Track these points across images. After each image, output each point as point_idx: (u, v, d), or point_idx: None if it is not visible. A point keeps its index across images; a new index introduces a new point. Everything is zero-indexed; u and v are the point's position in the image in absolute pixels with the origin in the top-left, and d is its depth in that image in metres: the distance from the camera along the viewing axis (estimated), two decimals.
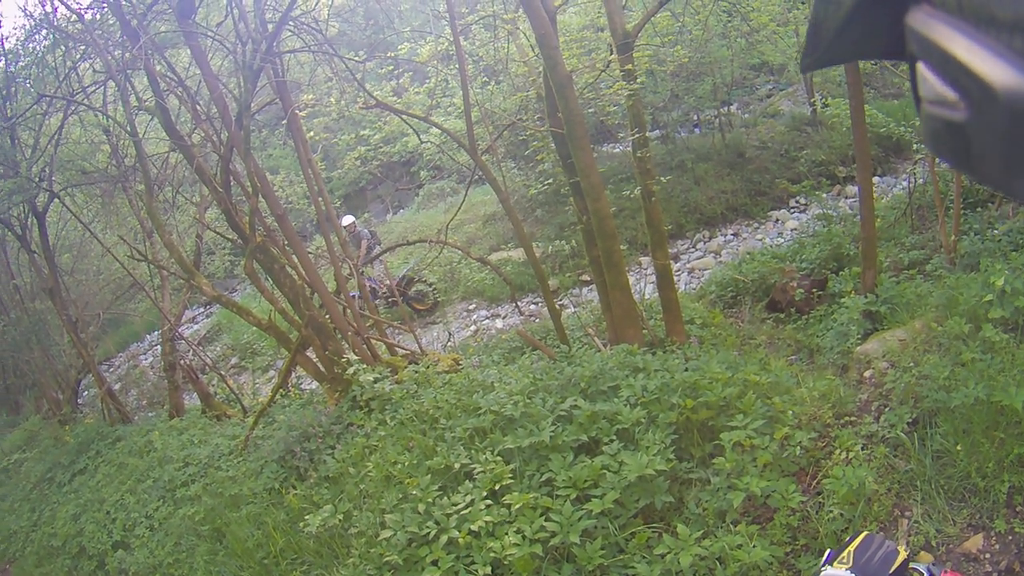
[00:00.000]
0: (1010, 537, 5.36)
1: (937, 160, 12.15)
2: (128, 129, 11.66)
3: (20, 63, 13.60)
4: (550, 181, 13.80)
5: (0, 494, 16.60)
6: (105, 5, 10.86)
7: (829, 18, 0.97)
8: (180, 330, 17.08)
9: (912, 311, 9.06)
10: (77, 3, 11.29)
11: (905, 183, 15.64)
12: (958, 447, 5.82)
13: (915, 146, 15.10)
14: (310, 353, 11.03)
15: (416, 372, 9.60)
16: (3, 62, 13.65)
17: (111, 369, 25.50)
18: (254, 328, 14.30)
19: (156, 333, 24.37)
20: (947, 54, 0.75)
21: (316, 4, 12.15)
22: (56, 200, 15.57)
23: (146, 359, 25.38)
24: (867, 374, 7.79)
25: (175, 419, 14.63)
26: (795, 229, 17.90)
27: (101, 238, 17.30)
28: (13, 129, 13.35)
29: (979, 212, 12.56)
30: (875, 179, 18.27)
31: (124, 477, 12.58)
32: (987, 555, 5.33)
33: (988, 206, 12.58)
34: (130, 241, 15.30)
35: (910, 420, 6.35)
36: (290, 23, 10.42)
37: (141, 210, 14.55)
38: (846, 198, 18.21)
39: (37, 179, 13.68)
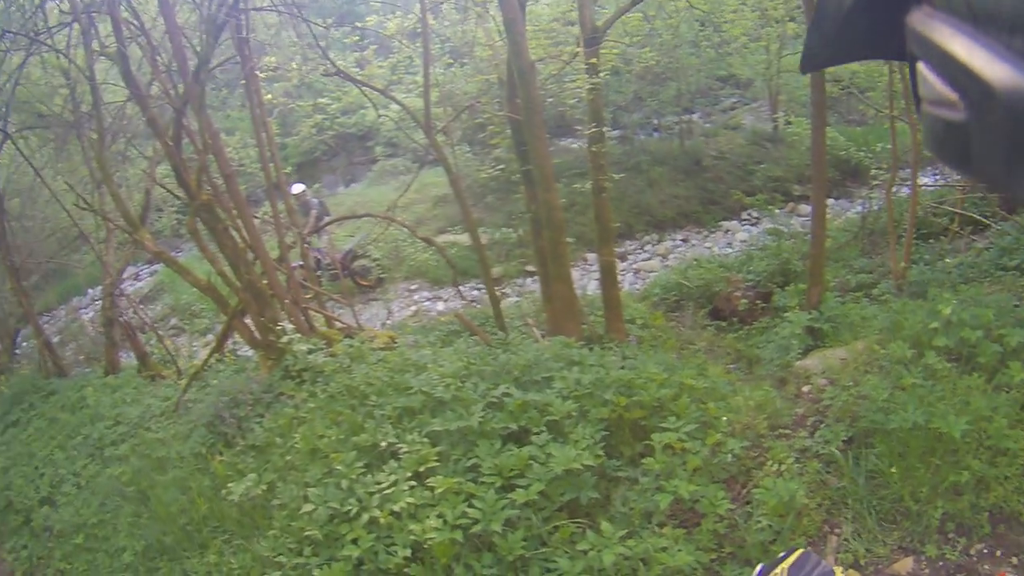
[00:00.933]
0: (940, 563, 5.37)
1: (893, 189, 12.29)
2: (87, 74, 11.45)
3: None
4: (503, 167, 13.77)
5: None
6: None
7: (829, 18, 0.98)
8: (122, 286, 16.88)
9: (855, 332, 9.16)
10: None
11: (860, 207, 15.83)
12: (893, 469, 5.83)
13: (873, 171, 15.28)
14: (248, 320, 10.93)
15: (351, 347, 9.55)
16: None
17: (51, 321, 25.11)
18: (195, 290, 14.18)
19: (98, 288, 24.03)
20: (947, 54, 0.75)
21: None
22: (9, 142, 15.35)
23: (86, 313, 25.03)
24: (805, 389, 7.81)
25: (110, 376, 14.48)
26: (745, 241, 18.10)
27: (51, 185, 17.06)
28: None
29: (931, 243, 12.73)
30: (829, 201, 18.43)
31: (55, 432, 12.46)
32: None
33: (941, 239, 12.74)
34: (80, 191, 15.10)
35: (845, 438, 6.36)
36: None
37: (92, 159, 14.38)
38: (798, 216, 18.42)
39: None
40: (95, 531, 9.42)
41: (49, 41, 12.47)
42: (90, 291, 26.67)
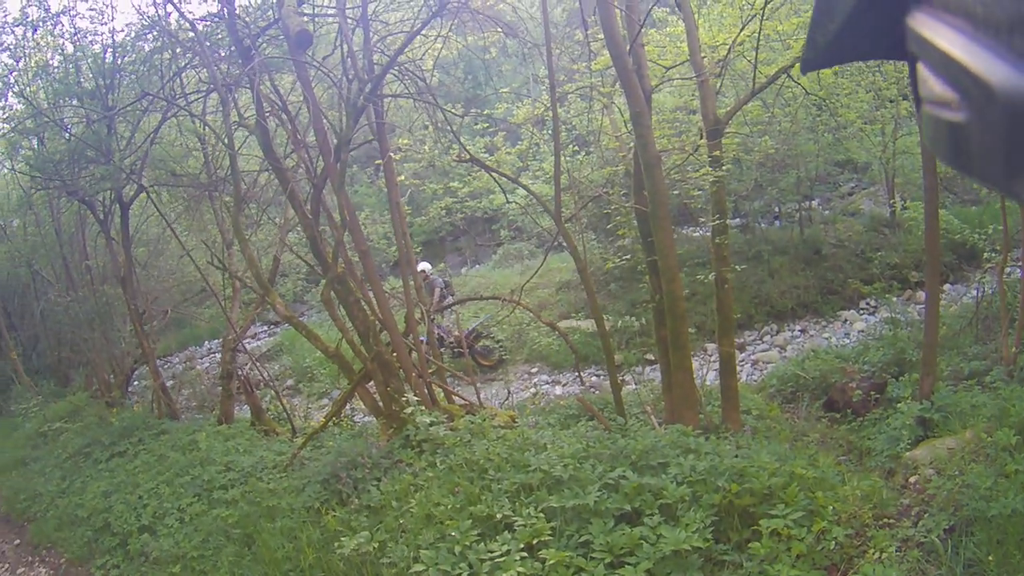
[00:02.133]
0: None
1: (1007, 270, 12.13)
2: (225, 141, 11.88)
3: (127, 58, 14.10)
4: (628, 257, 13.86)
5: (34, 456, 16.95)
6: (220, 19, 11.27)
7: (830, 18, 1.03)
8: (243, 342, 17.34)
9: (965, 420, 9.04)
10: (191, 12, 11.70)
11: (975, 291, 15.58)
12: (990, 557, 5.82)
13: (986, 254, 15.08)
14: (370, 387, 11.20)
15: (472, 422, 9.66)
16: (111, 53, 14.17)
17: (167, 366, 25.83)
18: (315, 354, 14.47)
19: (217, 341, 24.68)
20: (946, 54, 0.79)
21: (423, 54, 12.45)
22: (142, 195, 16.16)
23: (203, 364, 25.61)
24: (912, 479, 7.83)
25: (223, 426, 14.82)
26: (862, 331, 17.82)
27: (180, 239, 17.70)
28: (112, 120, 13.84)
29: None
30: (946, 286, 18.26)
31: (163, 468, 12.70)
32: None
33: None
34: (208, 249, 15.73)
35: (947, 527, 6.35)
36: (395, 67, 10.73)
37: (224, 221, 14.94)
38: (916, 303, 18.07)
39: (128, 171, 14.16)
40: (193, 564, 9.61)
41: (187, 107, 13.05)
42: (208, 343, 27.41)
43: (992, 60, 0.73)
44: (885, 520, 6.89)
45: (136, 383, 21.88)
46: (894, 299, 17.81)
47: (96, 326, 18.89)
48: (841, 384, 13.43)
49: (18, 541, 14.03)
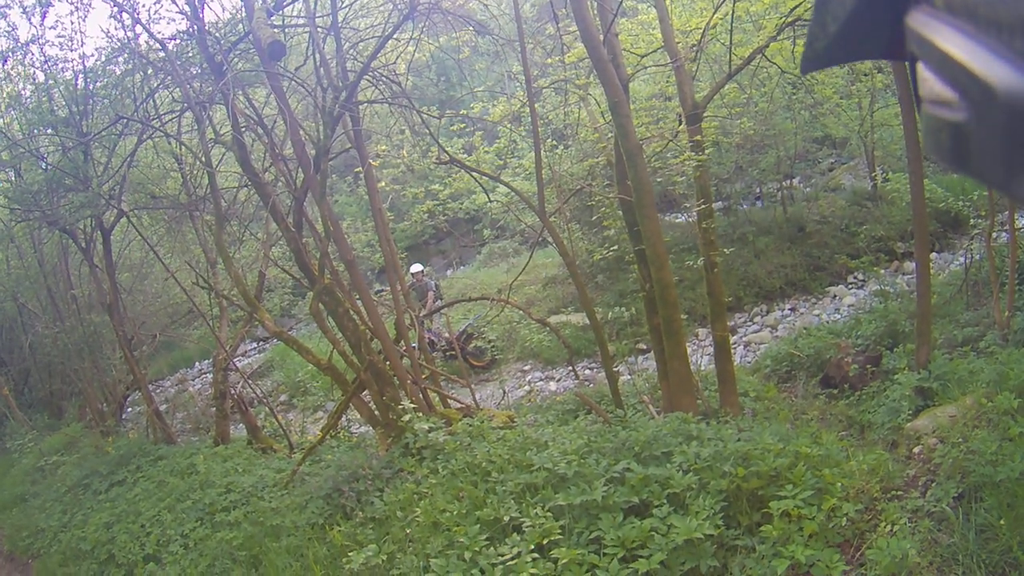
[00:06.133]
0: None
1: (993, 235, 12.16)
2: (202, 159, 11.84)
3: (99, 83, 13.98)
4: (615, 248, 13.85)
5: (33, 492, 16.81)
6: (190, 37, 11.20)
7: (830, 18, 1.02)
8: (234, 361, 17.26)
9: (964, 387, 9.02)
10: (160, 32, 11.63)
11: (962, 259, 15.61)
12: (1001, 521, 5.78)
13: (972, 221, 15.13)
14: (365, 397, 11.14)
15: (471, 425, 9.59)
16: (82, 79, 14.04)
17: (159, 390, 25.81)
18: (307, 368, 14.40)
19: (207, 361, 24.81)
20: (947, 54, 0.79)
21: (396, 58, 12.41)
22: (123, 219, 16.06)
23: (195, 385, 25.62)
24: (916, 450, 7.79)
25: (220, 446, 14.75)
26: (852, 305, 17.84)
27: (164, 262, 17.65)
28: (88, 146, 13.70)
29: None
30: (933, 255, 18.20)
31: (163, 494, 12.61)
32: None
33: None
34: (191, 269, 15.65)
35: (956, 494, 6.32)
36: (368, 73, 10.68)
37: (207, 240, 14.88)
38: (904, 274, 18.13)
39: (107, 197, 14.03)
40: None
41: (162, 128, 12.98)
42: (199, 364, 27.45)
43: (992, 60, 0.73)
44: (893, 492, 6.86)
45: (130, 410, 21.80)
46: (882, 271, 17.85)
47: (85, 355, 18.87)
48: (836, 359, 13.41)
49: None
